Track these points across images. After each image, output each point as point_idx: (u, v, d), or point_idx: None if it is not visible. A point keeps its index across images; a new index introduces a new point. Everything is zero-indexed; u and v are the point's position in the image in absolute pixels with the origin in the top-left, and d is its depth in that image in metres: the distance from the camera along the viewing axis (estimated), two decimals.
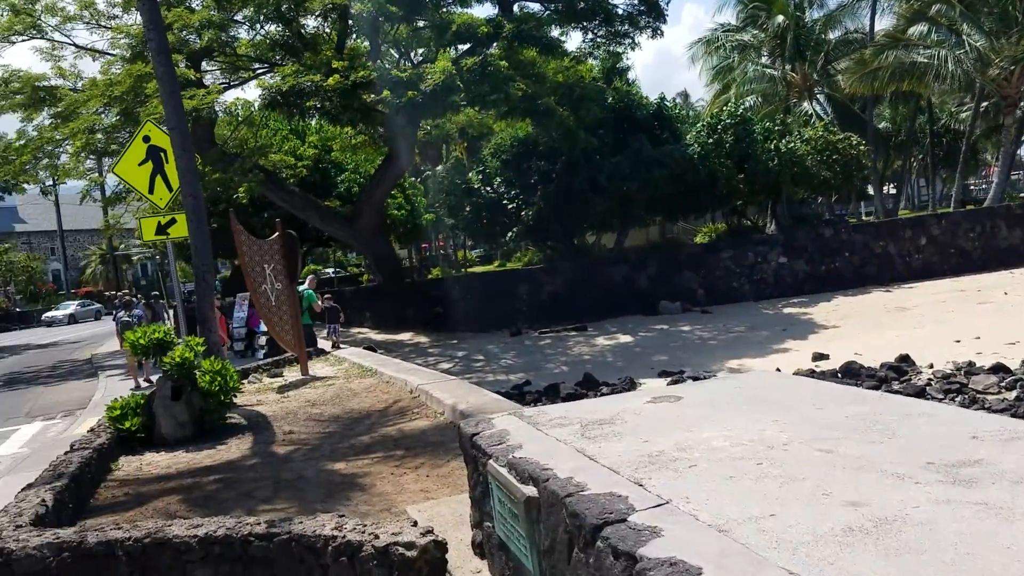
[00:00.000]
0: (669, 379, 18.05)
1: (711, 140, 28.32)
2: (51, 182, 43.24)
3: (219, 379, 9.27)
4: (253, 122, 27.83)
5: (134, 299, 21.51)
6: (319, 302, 18.38)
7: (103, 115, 20.83)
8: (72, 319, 52.99)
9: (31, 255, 63.48)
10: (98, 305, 57.80)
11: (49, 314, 53.79)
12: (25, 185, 41.41)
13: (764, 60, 41.65)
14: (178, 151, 10.04)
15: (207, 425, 9.24)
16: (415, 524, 4.42)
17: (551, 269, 27.15)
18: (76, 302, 57.36)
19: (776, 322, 24.69)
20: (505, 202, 26.98)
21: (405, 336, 25.93)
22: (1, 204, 69.69)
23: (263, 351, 18.76)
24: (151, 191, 10.78)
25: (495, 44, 23.23)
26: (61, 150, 24.38)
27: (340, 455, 7.78)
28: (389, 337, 26.67)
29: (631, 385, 17.74)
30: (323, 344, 18.12)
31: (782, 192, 31.18)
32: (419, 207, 38.17)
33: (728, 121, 28.92)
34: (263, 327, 19.08)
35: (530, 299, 26.33)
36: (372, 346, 22.22)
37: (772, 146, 29.37)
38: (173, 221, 11.13)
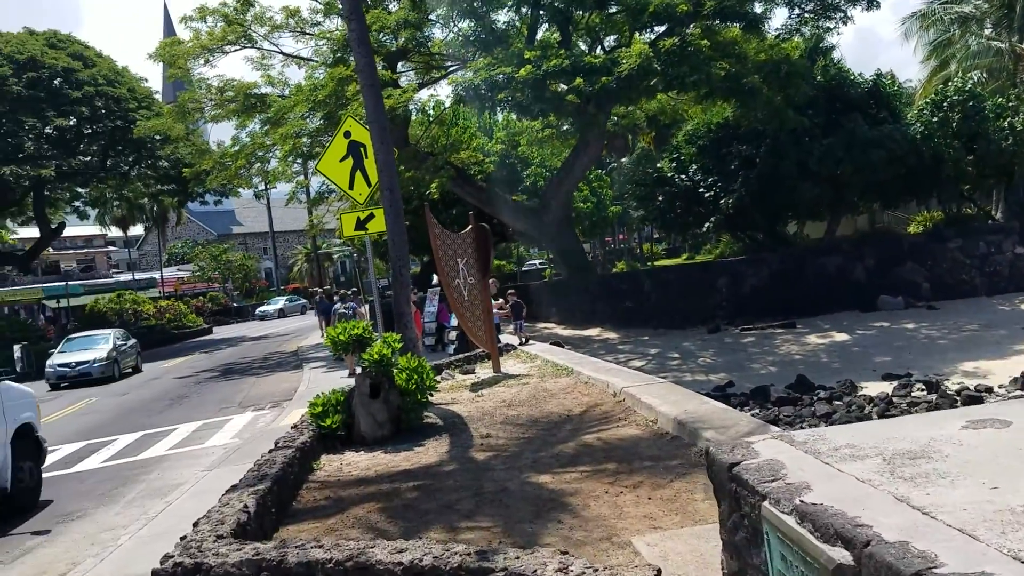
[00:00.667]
0: (895, 383, 16.08)
1: (935, 119, 25.28)
2: (263, 186, 46.58)
3: (416, 377, 8.89)
4: (444, 120, 28.16)
5: (349, 292, 22.21)
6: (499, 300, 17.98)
7: (308, 120, 21.74)
8: (281, 313, 56.90)
9: (246, 254, 68.94)
10: (304, 300, 61.76)
11: (261, 309, 58.10)
12: (240, 189, 45.01)
13: (988, 32, 37.04)
14: (377, 144, 9.80)
15: (404, 424, 8.89)
16: (658, 574, 3.55)
17: (754, 260, 25.31)
18: (284, 298, 61.61)
19: (1015, 319, 21.58)
20: (701, 190, 25.48)
21: (593, 332, 25.19)
22: (221, 208, 76.56)
23: (453, 346, 18.66)
24: (351, 187, 10.68)
25: (692, 24, 21.93)
26: (271, 155, 25.75)
27: (544, 465, 7.08)
28: (576, 332, 26.02)
29: (851, 388, 15.95)
30: (509, 339, 17.72)
31: (1015, 175, 27.39)
32: (605, 199, 37.33)
33: (955, 98, 25.73)
34: (453, 321, 19.00)
35: (730, 293, 24.70)
36: (559, 342, 21.64)
37: (1006, 124, 25.82)
38: (371, 216, 11.02)
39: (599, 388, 10.08)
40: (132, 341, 27.76)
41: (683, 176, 26.31)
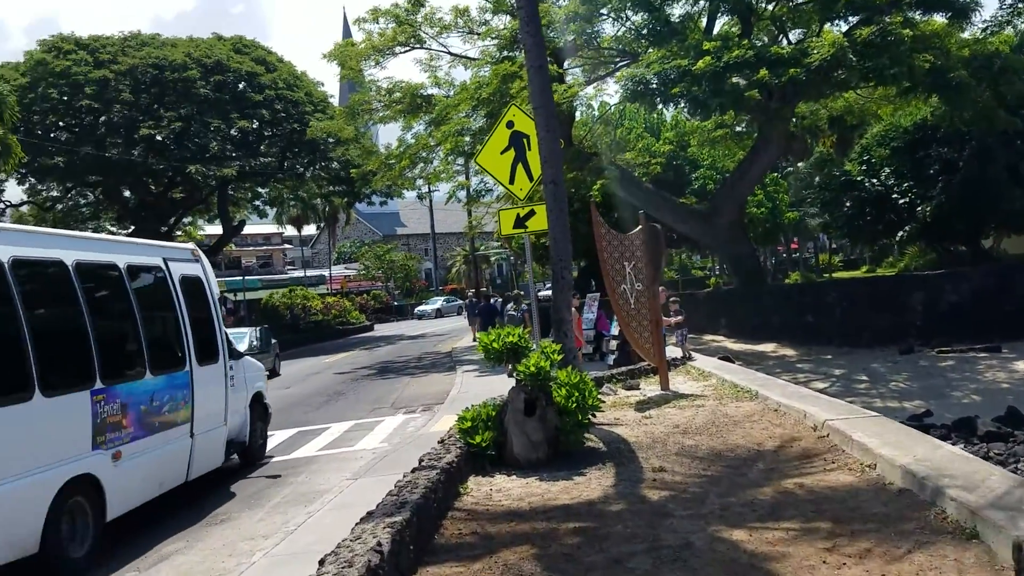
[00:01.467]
0: None
1: None
2: (425, 187, 47.35)
3: (576, 394, 7.83)
4: (609, 120, 27.05)
5: (519, 293, 21.53)
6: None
7: (471, 118, 21.31)
8: (438, 313, 57.76)
9: (408, 255, 70.75)
10: (461, 301, 62.50)
11: (420, 308, 59.25)
12: (404, 191, 45.93)
13: None
14: (542, 132, 8.84)
15: (562, 447, 7.84)
16: None
17: (953, 275, 22.42)
18: (442, 298, 62.59)
19: None
20: (895, 196, 22.89)
21: (767, 347, 23.19)
22: (386, 209, 79.13)
23: (613, 356, 17.46)
24: (511, 181, 9.80)
25: (890, 14, 19.66)
26: (433, 155, 25.62)
27: (736, 516, 5.79)
28: (747, 347, 24.09)
29: None
30: (672, 351, 16.30)
31: None
32: (781, 205, 34.88)
33: None
34: (614, 330, 17.81)
35: (925, 310, 21.96)
36: (729, 357, 19.93)
37: None
38: (532, 213, 10.07)
39: (793, 418, 8.61)
40: (272, 342, 25.10)
41: (874, 181, 23.81)
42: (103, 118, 32.85)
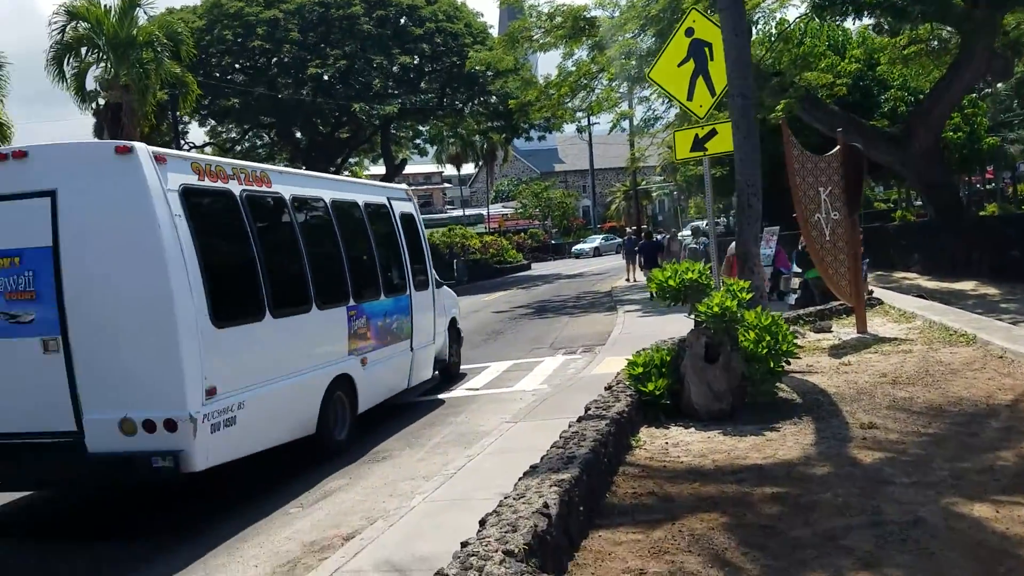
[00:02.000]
0: None
1: None
2: (585, 120, 45.99)
3: (768, 338, 6.83)
4: (790, 38, 24.63)
5: (703, 224, 20.27)
6: None
7: (639, 39, 19.78)
8: (596, 252, 56.69)
9: (566, 192, 69.84)
10: (619, 239, 61.16)
11: (578, 247, 58.39)
12: (564, 123, 44.85)
13: None
14: (728, 35, 7.68)
15: (749, 398, 6.93)
16: None
17: None
18: (601, 236, 61.38)
19: None
20: None
21: (966, 285, 20.64)
22: (544, 145, 78.21)
23: (794, 295, 16.00)
24: (689, 97, 8.68)
25: None
26: (596, 83, 24.40)
27: (974, 487, 4.73)
28: (942, 285, 21.58)
29: None
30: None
31: None
32: (979, 130, 30.99)
33: None
34: (795, 267, 16.33)
35: None
36: (923, 295, 17.87)
37: None
38: (713, 133, 8.88)
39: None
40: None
41: None
42: (274, 59, 33.87)
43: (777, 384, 7.14)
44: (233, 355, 6.60)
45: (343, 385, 8.34)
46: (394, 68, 34.98)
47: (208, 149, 43.52)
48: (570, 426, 5.76)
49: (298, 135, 41.83)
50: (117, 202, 6.01)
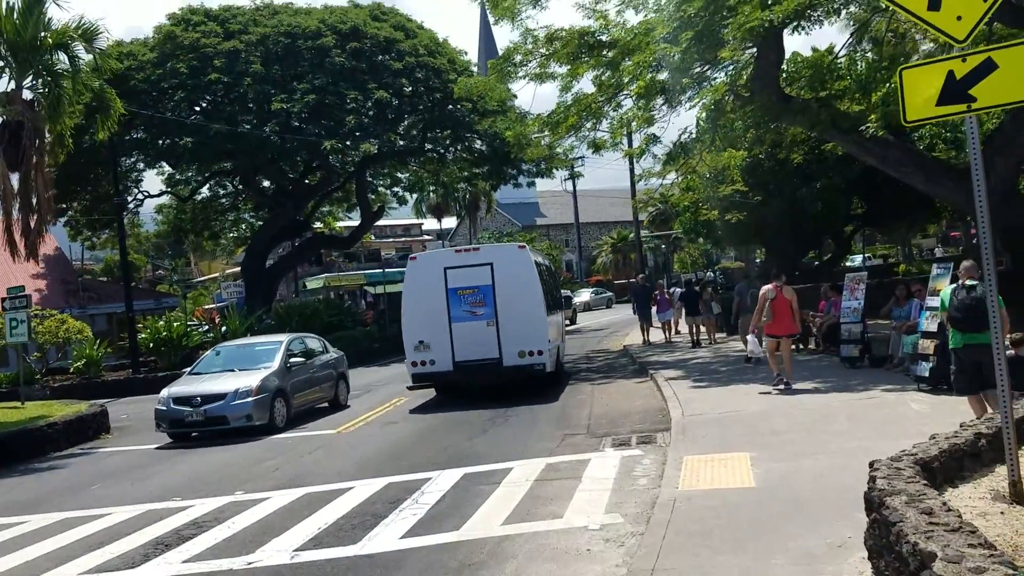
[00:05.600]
0: None
1: None
2: (582, 163, 42.12)
3: None
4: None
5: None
6: None
7: (670, 45, 16.05)
8: (586, 306, 52.96)
9: (551, 244, 66.34)
10: (610, 293, 57.49)
11: None
12: (555, 170, 41.28)
13: None
14: None
15: None
16: None
17: None
18: (590, 289, 57.77)
19: None
20: None
21: None
22: (526, 199, 75.12)
23: (925, 365, 12.10)
24: (933, 5, 4.75)
25: None
26: (609, 108, 20.74)
27: None
28: None
29: None
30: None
31: None
32: None
33: None
34: (924, 322, 12.51)
35: None
36: None
37: None
38: (990, 67, 4.66)
39: None
40: (329, 356, 16.61)
41: None
42: (234, 93, 30.07)
43: None
44: (552, 327, 16.31)
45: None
46: (369, 104, 31.27)
47: (165, 199, 39.55)
48: None
49: (266, 184, 37.94)
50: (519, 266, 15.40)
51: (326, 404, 16.18)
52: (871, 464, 4.75)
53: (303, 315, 28.79)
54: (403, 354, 15.44)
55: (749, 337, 13.99)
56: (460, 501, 8.00)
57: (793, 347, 17.36)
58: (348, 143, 31.01)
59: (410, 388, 15.73)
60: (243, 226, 44.66)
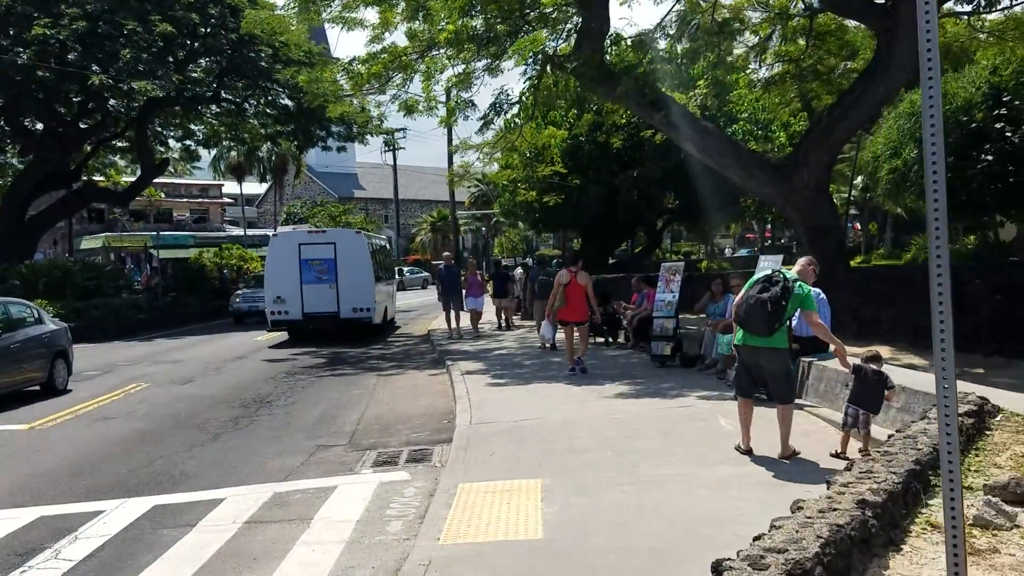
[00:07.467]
0: None
1: None
2: (399, 129, 39.06)
3: None
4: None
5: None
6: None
7: None
8: (400, 285, 50.51)
9: (368, 218, 63.06)
10: (426, 274, 55.26)
11: None
12: (368, 136, 38.25)
13: None
14: None
15: None
16: None
17: None
18: (407, 268, 55.31)
19: None
20: None
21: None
22: (343, 170, 71.02)
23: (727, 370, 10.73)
24: None
25: None
26: (421, 63, 18.29)
27: None
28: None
29: None
30: None
31: None
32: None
33: None
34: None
35: None
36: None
37: None
38: None
39: None
40: (43, 329, 13.09)
41: (1020, 130, 17.28)
42: None
43: None
44: (379, 293, 20.79)
45: None
46: (151, 38, 26.84)
47: None
48: None
49: (39, 126, 32.04)
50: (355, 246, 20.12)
51: (37, 388, 12.80)
52: (716, 568, 2.77)
53: (52, 276, 24.35)
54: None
55: (543, 323, 13.93)
56: (122, 555, 5.40)
57: (602, 340, 16.08)
58: (123, 81, 26.52)
59: (268, 331, 20.99)
60: (10, 172, 38.10)
